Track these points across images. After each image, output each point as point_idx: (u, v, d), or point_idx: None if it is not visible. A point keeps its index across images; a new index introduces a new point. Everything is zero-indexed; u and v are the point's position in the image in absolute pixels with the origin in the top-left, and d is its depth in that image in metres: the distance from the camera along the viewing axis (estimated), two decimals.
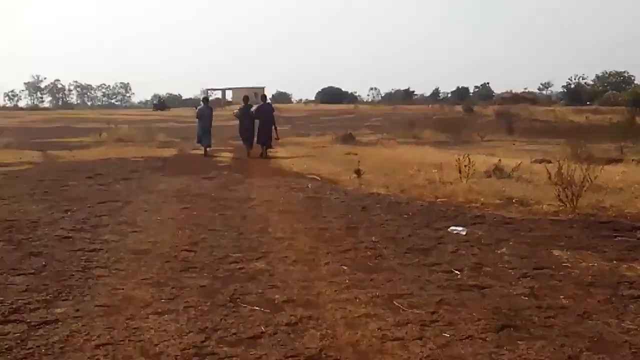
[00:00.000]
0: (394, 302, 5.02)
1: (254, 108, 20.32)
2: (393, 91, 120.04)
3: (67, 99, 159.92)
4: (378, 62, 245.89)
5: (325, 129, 35.32)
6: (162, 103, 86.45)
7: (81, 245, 6.89)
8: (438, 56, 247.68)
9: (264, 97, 21.63)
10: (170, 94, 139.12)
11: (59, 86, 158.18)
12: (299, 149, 21.99)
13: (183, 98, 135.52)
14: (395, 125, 36.29)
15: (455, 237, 7.49)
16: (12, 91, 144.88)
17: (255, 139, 20.02)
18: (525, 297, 5.18)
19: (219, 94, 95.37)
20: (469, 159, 11.72)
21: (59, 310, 4.78)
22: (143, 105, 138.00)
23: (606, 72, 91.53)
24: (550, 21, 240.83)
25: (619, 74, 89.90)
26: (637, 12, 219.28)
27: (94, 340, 4.20)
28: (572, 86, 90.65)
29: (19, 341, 4.18)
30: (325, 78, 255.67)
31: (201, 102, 21.79)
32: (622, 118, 36.84)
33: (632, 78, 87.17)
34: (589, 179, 9.35)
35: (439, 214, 9.00)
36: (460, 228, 7.88)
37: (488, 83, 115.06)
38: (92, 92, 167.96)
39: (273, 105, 21.64)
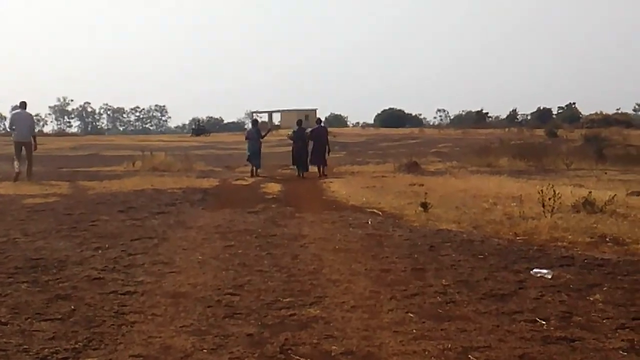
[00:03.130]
0: (469, 355, 4.97)
1: (308, 130, 23.85)
2: (463, 113, 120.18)
3: (97, 123, 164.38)
4: (446, 80, 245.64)
5: (385, 156, 35.34)
6: (201, 127, 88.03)
7: (113, 288, 7.00)
8: (515, 73, 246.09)
9: (319, 120, 25.24)
10: (211, 118, 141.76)
11: (89, 109, 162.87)
12: (356, 179, 21.99)
13: (224, 122, 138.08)
14: (466, 152, 36.01)
15: (539, 281, 7.37)
16: (36, 115, 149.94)
17: (309, 159, 23.18)
18: (623, 351, 5.05)
19: (265, 117, 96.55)
20: (553, 190, 11.51)
21: None
22: (180, 130, 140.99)
23: None
24: None
25: None
26: None
27: None
28: None
29: None
30: (385, 99, 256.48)
31: (250, 125, 25.51)
32: None
33: None
34: None
35: (519, 254, 8.87)
36: (545, 271, 7.74)
37: (574, 103, 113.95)
38: (125, 115, 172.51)
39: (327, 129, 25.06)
